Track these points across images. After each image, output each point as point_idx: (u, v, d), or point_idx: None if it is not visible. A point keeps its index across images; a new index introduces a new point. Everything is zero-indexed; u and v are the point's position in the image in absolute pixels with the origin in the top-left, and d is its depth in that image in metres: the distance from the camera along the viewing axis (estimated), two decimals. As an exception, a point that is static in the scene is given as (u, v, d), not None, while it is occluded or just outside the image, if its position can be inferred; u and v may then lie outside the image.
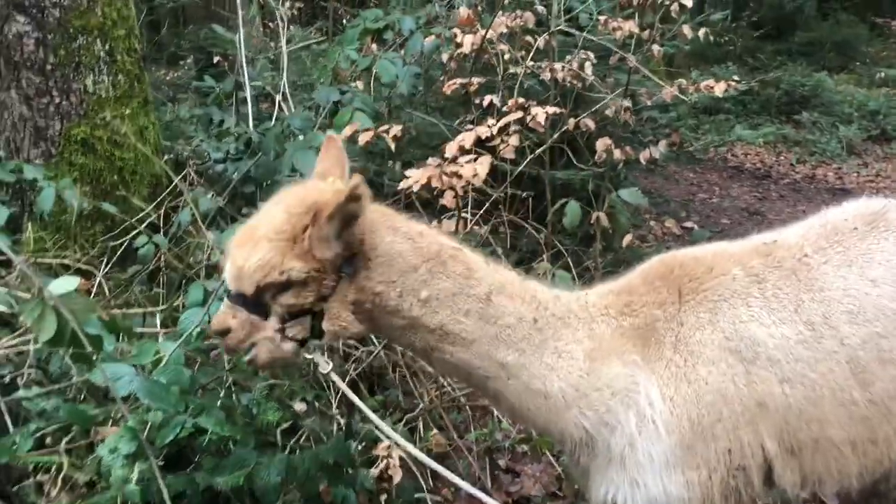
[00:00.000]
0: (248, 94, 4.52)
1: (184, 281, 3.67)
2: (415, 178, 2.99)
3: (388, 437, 2.61)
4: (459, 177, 2.97)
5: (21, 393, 2.61)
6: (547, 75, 4.24)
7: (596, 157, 4.11)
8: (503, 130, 3.30)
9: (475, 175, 3.00)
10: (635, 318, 2.30)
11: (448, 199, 3.14)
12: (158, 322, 3.37)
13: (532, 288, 2.30)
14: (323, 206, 2.01)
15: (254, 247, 2.05)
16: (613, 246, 5.03)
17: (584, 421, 2.25)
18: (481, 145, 3.55)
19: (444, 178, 2.95)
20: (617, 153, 4.13)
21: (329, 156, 2.34)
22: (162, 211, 4.38)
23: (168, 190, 4.45)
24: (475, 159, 3.07)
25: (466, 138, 3.16)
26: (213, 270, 3.39)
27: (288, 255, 2.02)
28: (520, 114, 3.29)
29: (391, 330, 2.24)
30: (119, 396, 2.44)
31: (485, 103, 4.08)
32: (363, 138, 3.36)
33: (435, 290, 2.13)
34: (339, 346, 3.61)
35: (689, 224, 4.88)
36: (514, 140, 3.29)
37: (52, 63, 4.24)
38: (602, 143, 4.18)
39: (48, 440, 2.78)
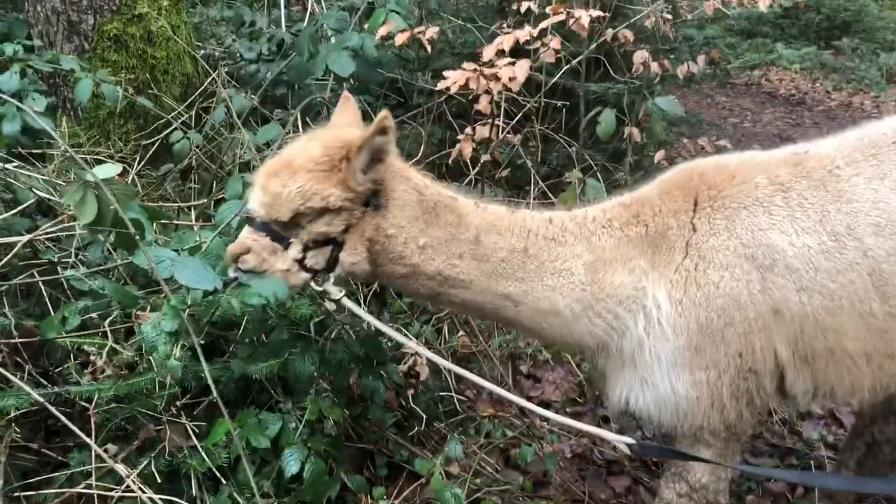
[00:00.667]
0: (281, -8, 4.45)
1: (215, 180, 3.71)
2: (452, 78, 2.96)
3: (397, 342, 2.70)
4: (497, 79, 2.94)
5: (69, 272, 2.69)
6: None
7: (633, 71, 4.02)
8: (543, 34, 3.24)
9: (512, 79, 2.97)
10: (644, 227, 2.35)
11: (483, 104, 3.11)
12: (193, 217, 3.42)
13: (521, 218, 2.40)
14: (356, 141, 2.17)
15: (292, 176, 2.19)
16: (643, 164, 5.00)
17: (595, 329, 2.35)
18: (516, 55, 3.49)
19: (482, 79, 2.93)
20: (654, 66, 4.04)
21: (345, 113, 2.50)
22: (194, 111, 4.39)
23: (200, 90, 4.45)
24: (513, 63, 3.03)
25: (505, 41, 3.11)
26: (247, 168, 3.41)
27: (327, 183, 2.18)
28: (562, 16, 3.22)
29: (394, 278, 2.39)
30: (161, 279, 2.50)
31: (522, 9, 3.98)
32: (399, 39, 3.32)
33: (431, 238, 2.28)
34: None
35: (722, 143, 4.80)
36: (555, 43, 3.22)
37: (85, -45, 4.19)
38: (639, 56, 4.09)
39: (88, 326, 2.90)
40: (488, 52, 3.14)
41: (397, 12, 3.75)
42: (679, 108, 3.81)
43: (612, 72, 4.15)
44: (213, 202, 3.64)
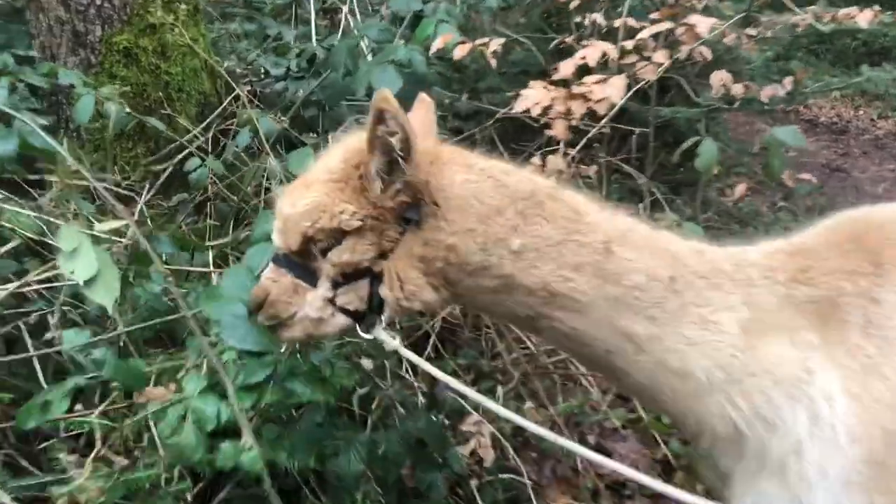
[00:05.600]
0: (311, 2, 3.95)
1: (239, 213, 3.18)
2: (533, 99, 2.44)
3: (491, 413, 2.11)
4: (586, 100, 2.42)
5: (68, 336, 2.16)
6: (659, -7, 3.61)
7: (713, 93, 3.50)
8: (639, 47, 2.73)
9: (601, 100, 2.45)
10: (813, 287, 1.76)
11: (560, 130, 2.59)
12: (210, 259, 2.89)
13: (665, 239, 1.82)
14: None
15: (303, 191, 1.76)
16: (709, 198, 4.47)
17: (733, 412, 1.74)
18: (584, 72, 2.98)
19: (570, 101, 2.41)
20: (738, 88, 3.51)
21: (417, 119, 1.93)
22: (210, 134, 3.89)
23: (218, 110, 3.96)
24: (603, 81, 2.51)
25: (589, 54, 2.59)
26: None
27: (339, 196, 1.71)
28: (669, 25, 2.70)
29: (480, 295, 1.81)
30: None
31: (587, 21, 3.48)
32: (458, 52, 2.81)
33: (531, 238, 1.71)
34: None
35: (805, 176, 4.28)
36: (660, 56, 2.70)
37: (94, -41, 3.71)
38: (717, 77, 3.56)
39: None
40: (566, 69, 2.62)
41: (447, 22, 3.25)
42: (801, 139, 3.27)
43: (692, 93, 3.62)
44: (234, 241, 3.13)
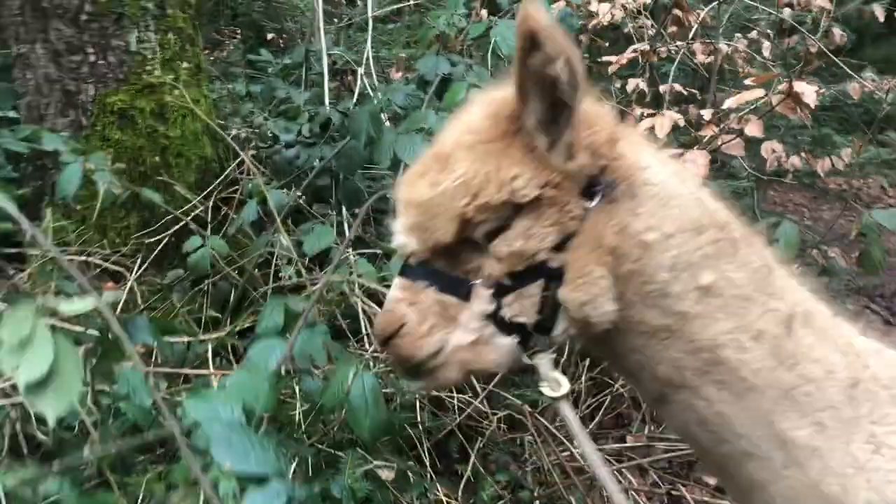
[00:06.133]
0: (324, 64, 3.64)
1: (244, 294, 2.80)
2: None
3: None
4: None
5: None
6: (703, 58, 3.31)
7: (768, 165, 3.17)
8: (717, 115, 2.41)
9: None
10: None
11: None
12: (210, 351, 2.49)
13: (847, 328, 1.46)
14: None
15: (444, 167, 1.32)
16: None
17: None
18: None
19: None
20: (794, 161, 3.20)
21: None
22: (211, 202, 3.53)
23: (221, 178, 3.60)
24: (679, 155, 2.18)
25: (659, 125, 2.25)
26: (291, 290, 2.48)
27: (504, 159, 1.29)
28: (760, 92, 2.37)
29: (634, 338, 1.39)
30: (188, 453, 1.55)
31: (629, 88, 3.18)
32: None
33: (722, 279, 1.33)
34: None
35: (832, 254, 3.97)
36: (753, 129, 2.37)
37: (89, 13, 3.40)
38: (769, 147, 3.25)
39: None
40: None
41: (479, 87, 2.92)
42: (903, 224, 2.94)
43: (744, 164, 3.31)
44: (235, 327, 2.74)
